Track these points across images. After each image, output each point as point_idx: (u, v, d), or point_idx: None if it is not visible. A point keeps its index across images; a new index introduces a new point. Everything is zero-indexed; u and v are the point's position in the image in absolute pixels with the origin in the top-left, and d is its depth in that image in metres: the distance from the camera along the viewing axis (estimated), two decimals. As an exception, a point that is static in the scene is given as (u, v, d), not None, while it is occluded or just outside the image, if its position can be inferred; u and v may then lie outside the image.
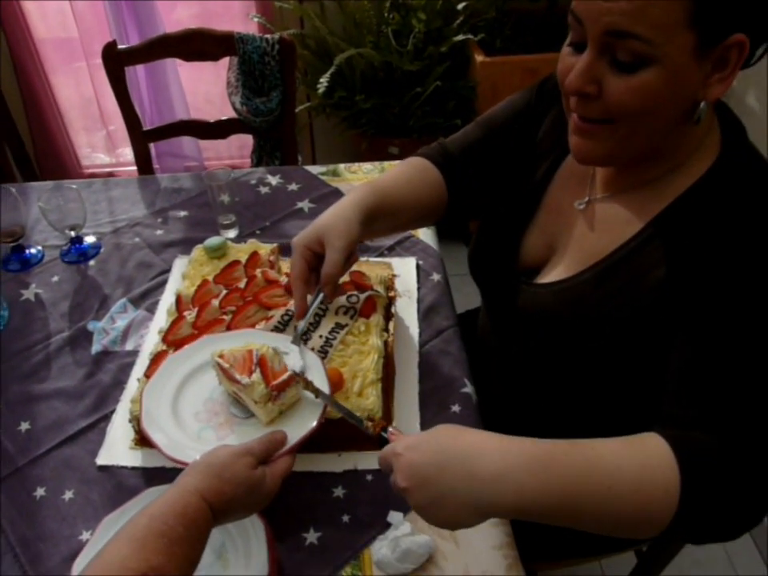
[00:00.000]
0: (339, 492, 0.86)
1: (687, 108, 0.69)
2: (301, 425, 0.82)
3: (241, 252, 1.14)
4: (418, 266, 1.20)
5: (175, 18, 2.56)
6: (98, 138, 2.84)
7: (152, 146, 2.62)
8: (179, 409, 0.87)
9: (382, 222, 0.93)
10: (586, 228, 0.84)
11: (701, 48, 0.64)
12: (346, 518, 0.84)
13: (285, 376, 0.82)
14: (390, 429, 0.74)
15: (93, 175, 2.81)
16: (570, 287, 0.82)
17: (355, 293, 1.01)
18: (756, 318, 0.67)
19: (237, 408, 0.87)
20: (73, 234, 1.23)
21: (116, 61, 1.58)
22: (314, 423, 0.82)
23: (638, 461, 0.64)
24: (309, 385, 0.83)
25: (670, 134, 0.72)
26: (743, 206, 0.70)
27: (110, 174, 2.81)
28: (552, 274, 0.87)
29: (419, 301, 1.13)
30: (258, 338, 0.91)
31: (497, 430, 0.70)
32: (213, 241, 1.13)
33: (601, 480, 0.63)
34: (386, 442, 0.72)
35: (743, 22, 0.63)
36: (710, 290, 0.69)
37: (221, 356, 0.85)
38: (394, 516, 0.83)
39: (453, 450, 0.65)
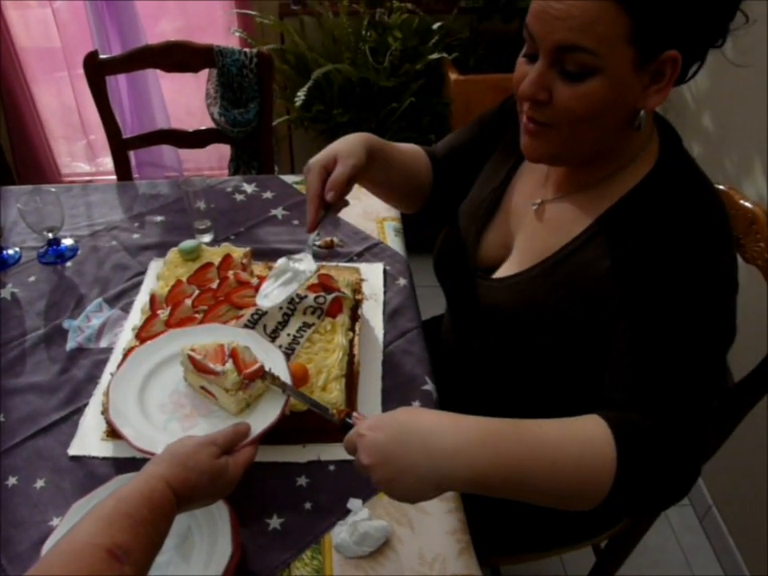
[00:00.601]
0: (302, 481, 0.90)
1: (628, 115, 0.76)
2: (264, 417, 0.86)
3: (215, 255, 1.18)
4: (385, 271, 1.25)
5: (159, 31, 2.61)
6: (78, 147, 2.87)
7: (132, 155, 2.66)
8: (146, 401, 0.90)
9: (380, 166, 1.00)
10: (538, 227, 0.91)
11: (639, 61, 0.71)
12: (308, 505, 0.88)
13: (255, 366, 0.87)
14: (354, 414, 0.77)
15: (72, 183, 2.83)
16: (521, 281, 0.89)
17: (323, 294, 1.06)
18: (687, 309, 0.74)
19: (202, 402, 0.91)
20: (50, 235, 1.27)
21: (97, 70, 1.62)
22: (276, 415, 0.86)
23: (579, 438, 0.70)
24: (275, 380, 0.88)
25: (613, 138, 0.79)
26: (678, 206, 0.78)
27: (90, 183, 2.84)
28: (505, 270, 0.93)
29: (385, 303, 1.18)
30: (223, 333, 0.95)
31: None
32: (187, 243, 1.17)
33: (546, 454, 0.68)
34: (349, 427, 0.76)
35: (676, 40, 0.71)
36: (648, 281, 0.76)
37: (192, 349, 0.89)
38: (354, 503, 0.87)
39: (412, 428, 0.69)
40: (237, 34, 2.38)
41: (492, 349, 0.96)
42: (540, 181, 0.94)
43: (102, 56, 1.62)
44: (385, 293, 1.20)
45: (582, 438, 0.70)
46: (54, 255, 1.28)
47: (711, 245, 0.77)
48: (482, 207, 1.00)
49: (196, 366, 0.88)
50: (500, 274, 0.94)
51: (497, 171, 1.01)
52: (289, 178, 1.51)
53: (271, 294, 0.97)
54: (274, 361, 0.92)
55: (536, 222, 0.91)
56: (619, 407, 0.73)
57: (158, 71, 1.97)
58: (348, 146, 0.95)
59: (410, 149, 1.11)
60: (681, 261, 0.76)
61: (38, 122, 2.71)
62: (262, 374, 0.88)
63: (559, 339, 0.86)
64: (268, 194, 1.46)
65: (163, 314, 1.04)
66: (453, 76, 2.20)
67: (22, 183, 2.71)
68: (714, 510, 1.73)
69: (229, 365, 0.86)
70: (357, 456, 0.72)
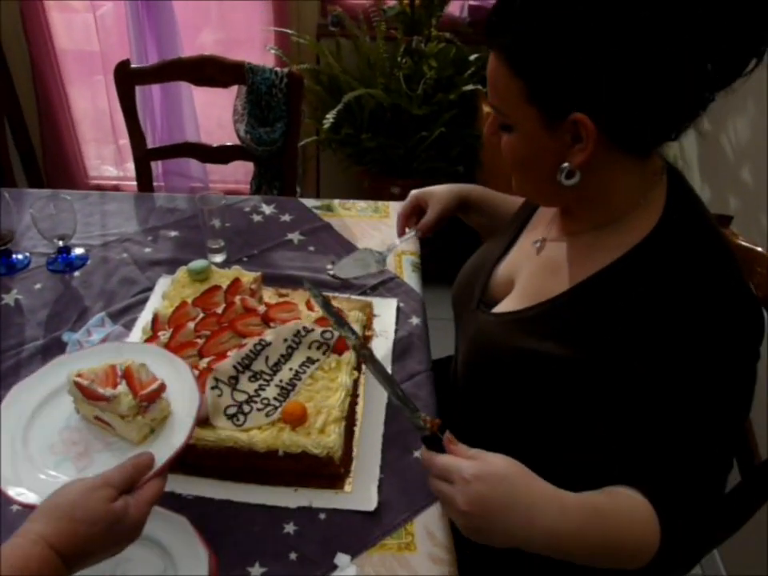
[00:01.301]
0: (290, 528, 0.85)
1: (557, 168, 0.76)
2: (171, 443, 0.76)
3: (224, 277, 1.15)
4: (398, 308, 1.20)
5: (198, 42, 2.63)
6: (107, 151, 2.88)
7: (159, 164, 2.67)
8: (30, 442, 0.77)
9: (477, 215, 1.17)
10: (539, 265, 0.91)
11: (547, 121, 0.73)
12: (293, 556, 0.82)
13: (154, 385, 0.78)
14: (447, 435, 0.74)
15: (98, 186, 2.85)
16: (516, 320, 0.88)
17: (330, 329, 1.01)
18: (688, 381, 0.73)
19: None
20: (61, 243, 1.25)
21: (127, 78, 1.61)
22: (185, 438, 0.76)
23: (629, 515, 0.73)
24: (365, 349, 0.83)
25: (562, 188, 0.77)
26: (685, 266, 0.75)
27: (115, 187, 2.85)
28: (504, 305, 0.93)
29: (395, 342, 1.13)
30: (119, 353, 0.86)
31: None
32: (197, 264, 1.14)
33: (614, 537, 0.73)
34: (437, 441, 0.73)
35: (577, 102, 0.70)
36: (639, 354, 0.75)
37: (79, 375, 0.78)
38: (342, 558, 0.82)
39: (520, 494, 0.69)
40: (272, 51, 2.38)
41: (487, 389, 0.93)
42: (548, 220, 0.94)
43: (133, 65, 1.62)
44: (396, 330, 1.15)
45: (630, 515, 0.73)
46: (62, 263, 1.26)
47: (721, 310, 0.73)
48: (500, 242, 1.02)
49: (84, 392, 0.77)
50: (499, 309, 0.94)
51: (524, 209, 1.03)
52: (308, 202, 1.47)
53: (346, 267, 1.14)
54: (179, 374, 0.82)
55: (537, 260, 0.92)
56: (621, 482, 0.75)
57: (191, 83, 1.96)
58: (444, 193, 1.14)
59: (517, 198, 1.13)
60: (680, 329, 0.73)
61: (71, 123, 2.73)
62: (164, 390, 0.79)
63: (548, 387, 0.83)
64: (286, 217, 1.43)
65: (164, 335, 1.00)
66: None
67: (49, 183, 2.74)
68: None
69: (122, 387, 0.76)
70: (448, 491, 0.70)
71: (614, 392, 0.77)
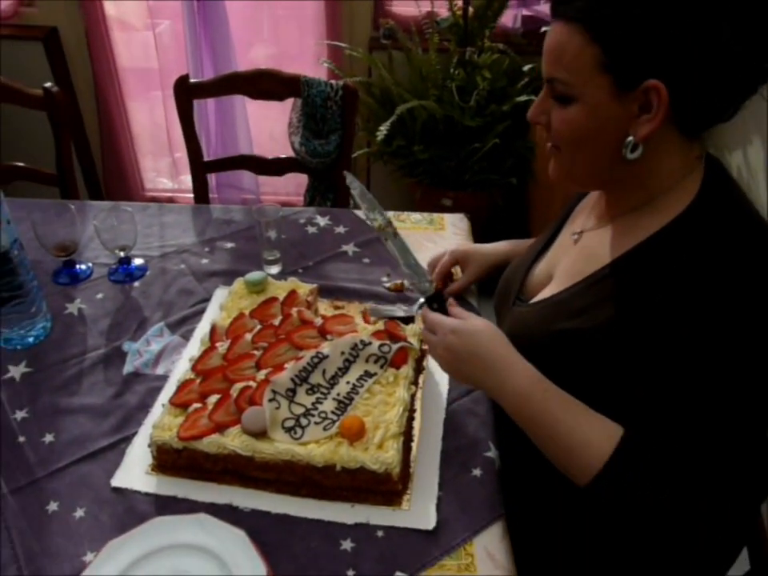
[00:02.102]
0: (347, 545, 0.84)
1: (620, 142, 0.76)
2: None
3: (280, 289, 1.15)
4: (454, 321, 1.18)
5: (251, 57, 2.67)
6: (163, 164, 2.95)
7: (213, 176, 2.72)
8: None
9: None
10: (576, 255, 0.93)
11: (618, 89, 0.73)
12: (350, 573, 0.81)
13: None
14: (451, 299, 0.93)
15: (154, 198, 2.91)
16: (549, 304, 0.91)
17: (388, 342, 1.00)
18: (709, 361, 0.73)
19: None
20: (122, 254, 1.27)
21: (186, 93, 1.64)
22: None
23: (585, 432, 0.79)
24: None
25: (614, 163, 0.79)
26: (712, 247, 0.75)
27: (170, 199, 2.91)
28: (541, 295, 0.95)
29: (452, 356, 1.11)
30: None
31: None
32: (254, 275, 1.14)
33: (556, 427, 0.81)
34: (440, 301, 0.93)
35: (655, 69, 0.70)
36: (660, 332, 0.76)
37: None
38: (400, 578, 0.80)
39: (492, 355, 0.85)
40: (325, 64, 2.40)
41: None
42: (586, 213, 0.97)
43: (192, 80, 1.65)
44: (452, 345, 1.13)
45: (598, 430, 0.79)
46: (123, 274, 1.28)
47: (755, 284, 0.72)
48: (538, 242, 1.06)
49: None
50: (535, 299, 0.96)
51: (562, 209, 1.06)
52: (363, 214, 1.47)
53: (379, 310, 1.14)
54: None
55: (574, 250, 0.94)
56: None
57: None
58: (483, 259, 1.19)
59: None
60: (712, 301, 0.73)
61: (130, 137, 2.80)
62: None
63: (583, 365, 0.84)
64: (341, 229, 1.43)
65: (222, 346, 1.01)
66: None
67: (107, 194, 2.82)
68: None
69: None
70: (432, 341, 0.89)
71: (645, 362, 0.77)
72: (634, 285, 0.80)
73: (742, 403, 0.73)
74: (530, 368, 0.83)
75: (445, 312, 0.92)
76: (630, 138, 0.75)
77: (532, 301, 0.96)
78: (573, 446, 0.79)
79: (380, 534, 0.85)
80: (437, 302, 0.93)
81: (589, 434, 0.79)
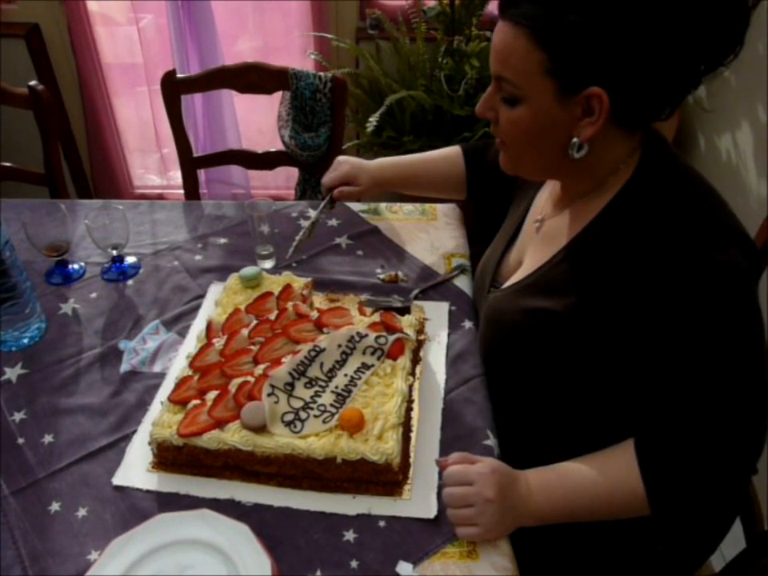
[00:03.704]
0: (350, 536, 0.85)
1: (565, 142, 0.81)
2: None
3: (275, 283, 1.15)
4: (450, 312, 1.18)
5: (236, 50, 2.65)
6: (151, 160, 2.93)
7: (203, 171, 2.70)
8: None
9: (400, 186, 1.33)
10: (539, 241, 0.98)
11: (561, 93, 0.76)
12: (354, 564, 0.82)
13: None
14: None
15: (143, 196, 2.90)
16: (518, 289, 0.96)
17: (384, 334, 1.00)
18: (673, 328, 0.77)
19: None
20: (115, 252, 1.26)
21: (173, 88, 1.63)
22: None
23: (610, 478, 0.83)
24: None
25: (559, 160, 0.83)
26: (654, 215, 0.80)
27: (160, 196, 2.90)
28: (510, 281, 1.00)
29: (448, 347, 1.11)
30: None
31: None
32: (248, 270, 1.14)
33: (584, 493, 0.84)
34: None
35: (597, 76, 0.74)
36: (615, 310, 0.81)
37: None
38: (404, 567, 0.81)
39: (514, 485, 0.84)
40: (312, 56, 2.39)
41: (504, 362, 1.00)
42: (544, 201, 1.01)
43: (179, 75, 1.64)
44: (449, 335, 1.14)
45: (613, 477, 0.82)
46: (116, 272, 1.28)
47: (696, 249, 0.76)
48: (507, 231, 1.10)
49: None
50: (506, 284, 1.01)
51: (525, 197, 1.09)
52: (355, 206, 1.47)
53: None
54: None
55: (538, 237, 0.98)
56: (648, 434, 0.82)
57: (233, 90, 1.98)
58: (369, 178, 1.27)
59: (442, 160, 1.22)
60: (663, 266, 0.77)
61: (116, 134, 2.78)
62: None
63: (557, 342, 0.88)
64: (333, 222, 1.42)
65: (218, 342, 1.01)
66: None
67: (96, 193, 2.80)
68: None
69: None
70: (472, 492, 0.81)
71: (612, 337, 0.82)
72: (587, 264, 0.85)
73: (715, 360, 0.76)
74: (528, 477, 0.86)
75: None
76: (575, 140, 0.80)
77: (504, 286, 1.01)
78: (612, 497, 0.83)
79: (382, 524, 0.86)
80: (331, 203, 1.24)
81: (612, 474, 0.83)
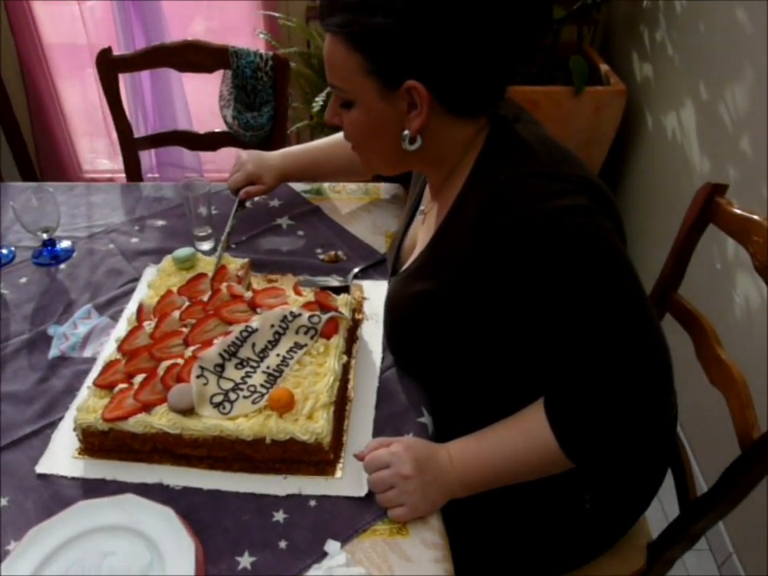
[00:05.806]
0: (279, 516, 0.84)
1: (400, 136, 0.84)
2: None
3: (210, 265, 1.13)
4: (389, 290, 1.17)
5: (191, 32, 2.59)
6: (100, 144, 2.86)
7: (153, 155, 2.65)
8: None
9: (300, 176, 1.37)
10: (424, 229, 1.02)
11: (384, 91, 0.81)
12: (283, 544, 0.81)
13: None
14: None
15: (93, 180, 2.83)
16: (406, 275, 0.98)
17: (317, 313, 0.99)
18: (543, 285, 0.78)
19: None
20: (45, 236, 1.22)
21: (110, 66, 1.59)
22: None
23: (524, 434, 0.85)
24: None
25: (406, 152, 0.86)
26: (494, 197, 0.81)
27: (111, 180, 2.83)
28: (405, 266, 1.03)
29: (386, 325, 1.10)
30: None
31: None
32: (181, 252, 1.12)
33: (504, 454, 0.86)
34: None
35: (412, 70, 0.78)
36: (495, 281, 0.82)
37: None
38: (332, 545, 0.80)
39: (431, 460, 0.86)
40: (261, 36, 2.35)
41: (406, 343, 1.00)
42: (427, 191, 1.04)
43: (115, 53, 1.59)
44: (386, 313, 1.13)
45: (527, 434, 0.84)
46: (48, 256, 1.24)
47: (541, 202, 0.77)
48: (405, 216, 1.14)
49: None
50: (401, 270, 1.03)
51: (418, 179, 1.11)
52: (298, 186, 1.45)
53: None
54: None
55: (423, 227, 1.03)
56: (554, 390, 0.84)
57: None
58: (272, 175, 1.31)
59: (343, 146, 1.16)
60: (496, 248, 0.80)
61: (62, 118, 2.70)
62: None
63: (449, 319, 0.90)
64: (275, 202, 1.40)
65: (149, 325, 0.99)
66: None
67: (43, 178, 2.72)
68: (735, 558, 1.62)
69: None
70: (391, 474, 0.82)
71: (489, 308, 0.85)
72: (452, 243, 0.88)
73: (589, 302, 0.77)
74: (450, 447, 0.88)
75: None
76: (406, 132, 0.83)
77: (399, 271, 1.04)
78: (530, 453, 0.84)
79: (312, 503, 0.85)
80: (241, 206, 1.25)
81: (526, 431, 0.84)
